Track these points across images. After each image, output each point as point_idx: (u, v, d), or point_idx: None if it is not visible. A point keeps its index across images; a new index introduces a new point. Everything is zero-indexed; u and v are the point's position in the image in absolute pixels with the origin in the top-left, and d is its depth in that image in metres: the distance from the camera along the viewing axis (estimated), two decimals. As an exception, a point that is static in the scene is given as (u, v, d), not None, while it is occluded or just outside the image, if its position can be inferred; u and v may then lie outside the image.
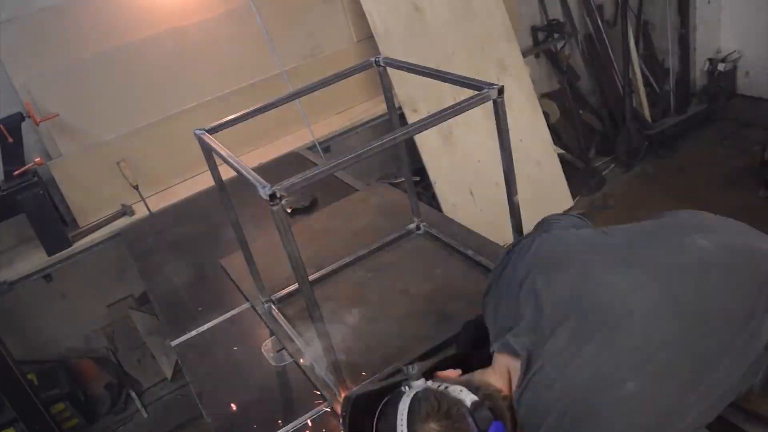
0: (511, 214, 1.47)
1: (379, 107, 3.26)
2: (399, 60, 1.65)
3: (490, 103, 1.31)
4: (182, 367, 1.77)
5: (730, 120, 4.25)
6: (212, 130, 1.55)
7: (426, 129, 1.29)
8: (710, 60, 4.31)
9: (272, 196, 1.10)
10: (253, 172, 1.20)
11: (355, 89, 3.35)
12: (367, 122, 3.27)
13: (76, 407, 3.10)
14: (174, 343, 1.83)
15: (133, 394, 3.30)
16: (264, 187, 1.11)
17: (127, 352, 3.33)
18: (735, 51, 4.27)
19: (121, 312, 3.26)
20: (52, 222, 2.68)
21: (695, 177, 3.77)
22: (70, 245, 2.71)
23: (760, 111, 4.18)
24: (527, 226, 1.49)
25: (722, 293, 1.02)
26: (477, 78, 1.34)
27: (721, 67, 4.27)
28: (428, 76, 1.51)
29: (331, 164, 1.18)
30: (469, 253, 1.80)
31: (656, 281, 1.03)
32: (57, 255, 2.69)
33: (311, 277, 1.80)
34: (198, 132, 1.53)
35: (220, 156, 1.38)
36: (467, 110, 1.28)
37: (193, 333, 1.84)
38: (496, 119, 1.33)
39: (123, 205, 2.88)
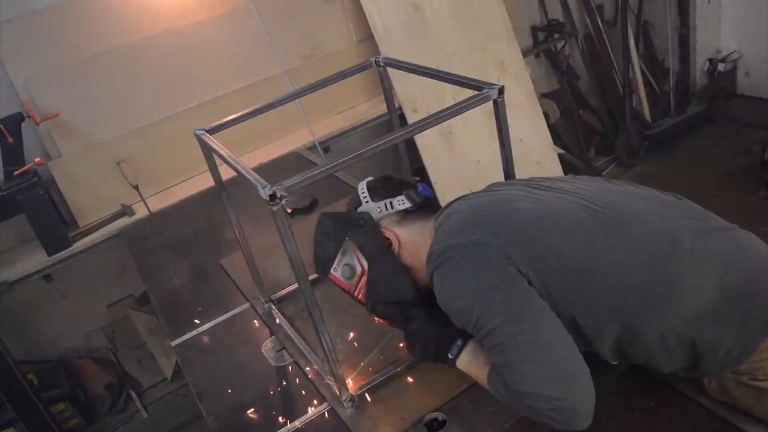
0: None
1: (379, 107, 3.26)
2: (399, 60, 1.65)
3: (490, 103, 1.31)
4: (182, 367, 1.77)
5: (729, 120, 4.25)
6: (212, 131, 1.55)
7: (426, 129, 1.29)
8: (710, 60, 4.31)
9: (272, 196, 1.10)
10: (253, 173, 1.20)
11: (355, 89, 3.35)
12: (367, 122, 3.27)
13: (76, 407, 3.10)
14: (174, 343, 1.83)
15: (133, 394, 3.30)
16: (264, 187, 1.11)
17: (127, 352, 3.33)
18: (735, 51, 4.27)
19: (121, 312, 3.26)
20: (52, 222, 2.68)
21: (695, 177, 3.77)
22: (70, 245, 2.71)
23: (759, 111, 4.18)
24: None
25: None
26: (477, 78, 1.35)
27: (721, 67, 4.26)
28: (428, 76, 1.52)
29: (331, 164, 1.19)
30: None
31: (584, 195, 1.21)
32: (57, 255, 2.69)
33: (311, 277, 1.80)
34: (198, 132, 1.54)
35: (220, 156, 1.38)
36: (467, 110, 1.29)
37: (193, 333, 1.84)
38: (496, 119, 1.33)
39: (123, 205, 2.88)
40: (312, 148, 3.05)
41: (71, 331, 3.20)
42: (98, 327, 3.26)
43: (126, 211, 2.86)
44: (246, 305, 1.90)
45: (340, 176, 2.56)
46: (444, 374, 1.42)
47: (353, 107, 3.42)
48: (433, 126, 1.29)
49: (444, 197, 3.20)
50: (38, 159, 2.62)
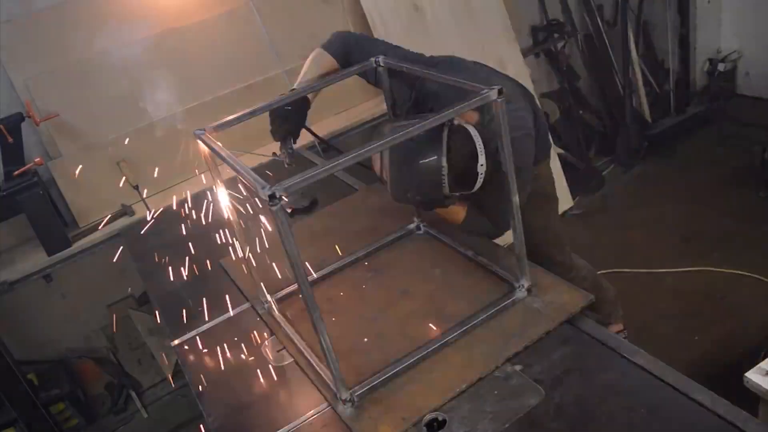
0: (510, 214, 1.48)
1: (379, 107, 3.26)
2: (399, 60, 1.65)
3: (490, 104, 1.31)
4: (182, 367, 1.77)
5: (730, 120, 4.25)
6: (212, 131, 1.54)
7: (426, 129, 1.29)
8: (710, 60, 4.31)
9: (272, 197, 1.10)
10: (252, 173, 1.20)
11: (355, 89, 3.35)
12: (367, 122, 3.27)
13: (76, 407, 3.10)
14: (174, 343, 1.83)
15: (133, 394, 3.30)
16: (263, 188, 1.11)
17: (127, 352, 3.33)
18: (735, 51, 4.27)
19: (121, 312, 3.26)
20: (52, 222, 2.68)
21: (695, 177, 3.77)
22: (70, 245, 2.72)
23: (759, 111, 4.18)
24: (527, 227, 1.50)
25: None
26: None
27: (721, 67, 4.27)
28: (427, 77, 1.51)
29: (331, 164, 1.18)
30: (469, 253, 1.80)
31: None
32: (57, 255, 2.69)
33: (311, 278, 1.80)
34: (197, 132, 1.53)
35: (220, 156, 1.38)
36: (467, 110, 1.29)
37: (193, 333, 1.84)
38: (495, 120, 1.33)
39: (123, 205, 2.88)
40: (312, 148, 3.05)
41: (71, 331, 3.20)
42: (98, 327, 3.26)
43: (126, 211, 2.86)
44: (246, 305, 1.89)
45: (340, 176, 2.56)
46: (444, 374, 1.42)
47: (353, 107, 3.42)
48: (433, 126, 1.29)
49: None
50: (38, 159, 2.63)
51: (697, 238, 3.20)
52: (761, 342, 2.41)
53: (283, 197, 1.11)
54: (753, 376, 1.66)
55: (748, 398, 1.60)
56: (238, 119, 1.61)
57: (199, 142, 1.53)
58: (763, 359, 1.69)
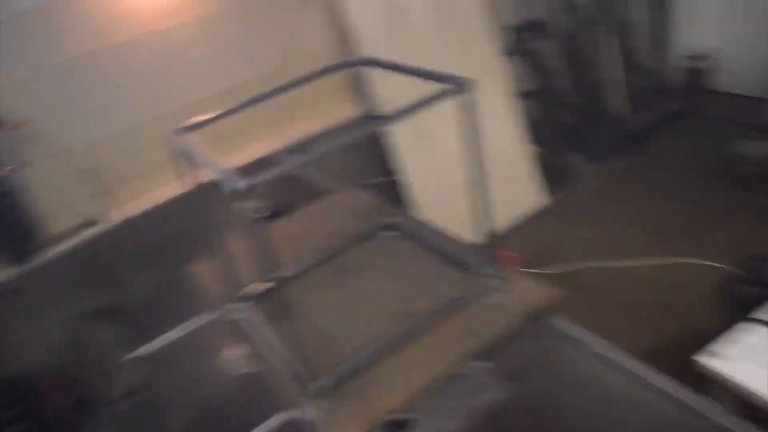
0: (483, 213, 1.48)
1: (354, 110, 3.25)
2: (375, 59, 1.65)
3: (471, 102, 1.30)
4: (148, 378, 1.75)
5: (705, 116, 4.31)
6: (187, 131, 1.54)
7: (392, 123, 1.29)
8: (688, 57, 4.37)
9: (240, 190, 1.10)
10: (223, 167, 1.19)
11: (337, 91, 3.34)
12: (348, 124, 3.26)
13: (36, 426, 3.00)
14: (140, 353, 1.81)
15: (97, 408, 3.22)
16: (233, 181, 1.11)
17: (90, 366, 3.25)
18: (713, 48, 4.32)
19: (85, 325, 3.18)
20: (20, 232, 2.61)
21: (672, 173, 3.81)
22: (35, 256, 2.64)
23: (735, 107, 4.24)
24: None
25: None
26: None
27: (697, 63, 4.32)
28: (398, 72, 1.52)
29: (301, 158, 1.18)
30: (444, 252, 1.80)
31: None
32: (21, 267, 2.62)
33: (283, 279, 1.79)
34: (173, 132, 1.52)
35: (191, 155, 1.38)
36: (435, 104, 1.29)
37: (159, 343, 1.82)
38: (464, 114, 1.33)
39: (93, 214, 2.82)
40: (290, 149, 3.04)
41: (33, 345, 3.11)
42: (62, 341, 3.18)
43: (96, 219, 2.80)
44: (214, 311, 1.86)
45: (316, 179, 2.54)
46: (410, 371, 1.40)
47: (334, 109, 3.40)
48: (400, 120, 1.29)
49: (419, 197, 3.19)
50: (8, 168, 2.58)
51: (670, 232, 3.24)
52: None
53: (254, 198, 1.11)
54: (700, 358, 1.68)
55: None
56: (213, 119, 1.60)
57: (173, 141, 1.52)
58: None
